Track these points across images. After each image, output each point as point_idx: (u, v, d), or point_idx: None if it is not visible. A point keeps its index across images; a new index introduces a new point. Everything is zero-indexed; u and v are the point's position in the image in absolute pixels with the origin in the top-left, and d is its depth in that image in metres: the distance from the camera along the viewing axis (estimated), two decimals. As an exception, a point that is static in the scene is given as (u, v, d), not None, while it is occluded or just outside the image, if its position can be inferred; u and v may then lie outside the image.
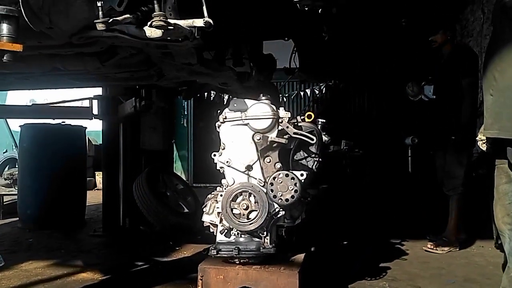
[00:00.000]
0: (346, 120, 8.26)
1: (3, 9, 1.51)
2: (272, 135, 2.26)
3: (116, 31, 1.81)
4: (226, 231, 2.26)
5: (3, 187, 8.75)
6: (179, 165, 8.69)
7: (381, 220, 5.11)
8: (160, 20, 1.75)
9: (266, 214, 2.15)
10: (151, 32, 1.81)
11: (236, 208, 2.21)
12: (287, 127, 2.28)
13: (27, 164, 5.02)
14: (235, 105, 2.33)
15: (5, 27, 1.52)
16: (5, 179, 8.99)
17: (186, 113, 8.66)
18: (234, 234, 2.25)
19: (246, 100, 2.33)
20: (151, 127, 4.54)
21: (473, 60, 3.73)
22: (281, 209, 2.21)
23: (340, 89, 7.67)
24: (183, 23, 1.85)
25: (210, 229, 2.40)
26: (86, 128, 5.34)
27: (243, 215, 2.18)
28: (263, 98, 2.33)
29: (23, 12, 1.51)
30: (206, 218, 2.37)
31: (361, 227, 4.75)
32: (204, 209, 2.40)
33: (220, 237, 2.28)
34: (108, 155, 4.69)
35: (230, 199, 2.20)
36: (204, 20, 1.85)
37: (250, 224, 2.16)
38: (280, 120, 2.29)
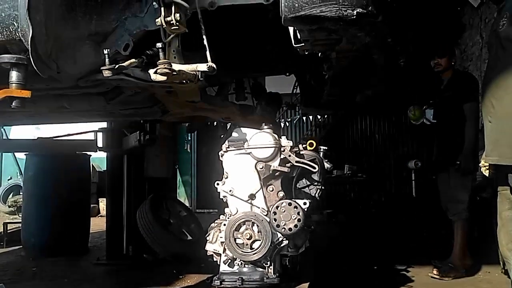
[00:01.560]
0: (348, 145, 8.28)
1: (12, 58, 1.56)
2: (275, 164, 2.28)
3: (122, 74, 1.86)
4: (229, 261, 2.25)
5: (7, 214, 8.76)
6: (183, 191, 8.67)
7: (386, 244, 5.06)
8: (165, 68, 1.79)
9: (269, 243, 2.14)
10: (156, 76, 1.86)
11: (239, 238, 2.20)
12: (289, 155, 2.30)
13: (32, 192, 5.05)
14: (237, 134, 2.36)
15: (14, 74, 1.57)
16: (9, 206, 9.00)
17: (189, 138, 8.71)
18: (238, 264, 2.24)
19: (249, 129, 2.36)
20: (155, 155, 4.57)
21: (473, 85, 3.78)
22: (284, 239, 2.21)
23: (342, 113, 7.72)
24: (187, 68, 1.89)
25: (214, 258, 2.39)
26: (90, 155, 5.38)
27: (247, 244, 2.18)
28: (265, 127, 2.36)
29: (31, 61, 1.56)
30: (210, 247, 2.37)
31: (365, 253, 4.71)
32: (207, 238, 2.40)
33: (223, 267, 2.27)
34: (112, 183, 4.72)
35: (233, 228, 2.20)
36: (207, 65, 1.89)
37: (254, 254, 2.16)
38: (282, 149, 2.31)
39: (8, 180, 9.95)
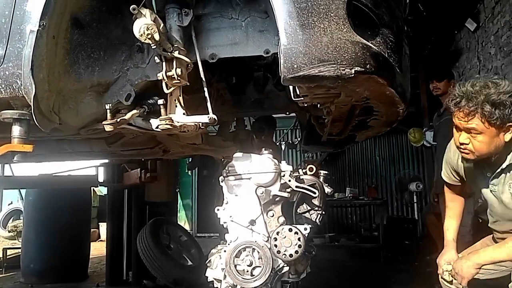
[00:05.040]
0: (349, 167, 8.28)
1: (15, 113, 1.60)
2: (275, 189, 2.27)
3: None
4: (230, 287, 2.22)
5: (6, 240, 8.70)
6: (183, 215, 8.63)
7: (389, 268, 5.00)
8: (167, 124, 1.82)
9: (270, 270, 2.12)
10: (157, 128, 1.89)
11: (239, 264, 2.18)
12: (289, 180, 2.30)
13: (32, 217, 5.04)
14: (237, 159, 2.36)
15: (16, 129, 1.60)
16: (9, 231, 8.95)
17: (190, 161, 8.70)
18: (239, 291, 2.21)
19: (249, 155, 2.36)
20: (155, 179, 4.57)
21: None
22: (285, 265, 2.19)
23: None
24: (188, 120, 1.91)
25: (214, 284, 2.36)
26: (91, 180, 5.38)
27: (247, 271, 2.16)
28: (265, 152, 2.37)
29: (33, 117, 1.58)
30: (210, 274, 2.35)
31: (368, 276, 4.65)
32: (208, 264, 2.38)
33: (224, 294, 2.24)
34: (112, 208, 4.71)
35: (234, 255, 2.18)
36: (208, 117, 1.93)
37: (255, 281, 2.13)
38: (282, 174, 2.31)
39: (9, 204, 9.90)
